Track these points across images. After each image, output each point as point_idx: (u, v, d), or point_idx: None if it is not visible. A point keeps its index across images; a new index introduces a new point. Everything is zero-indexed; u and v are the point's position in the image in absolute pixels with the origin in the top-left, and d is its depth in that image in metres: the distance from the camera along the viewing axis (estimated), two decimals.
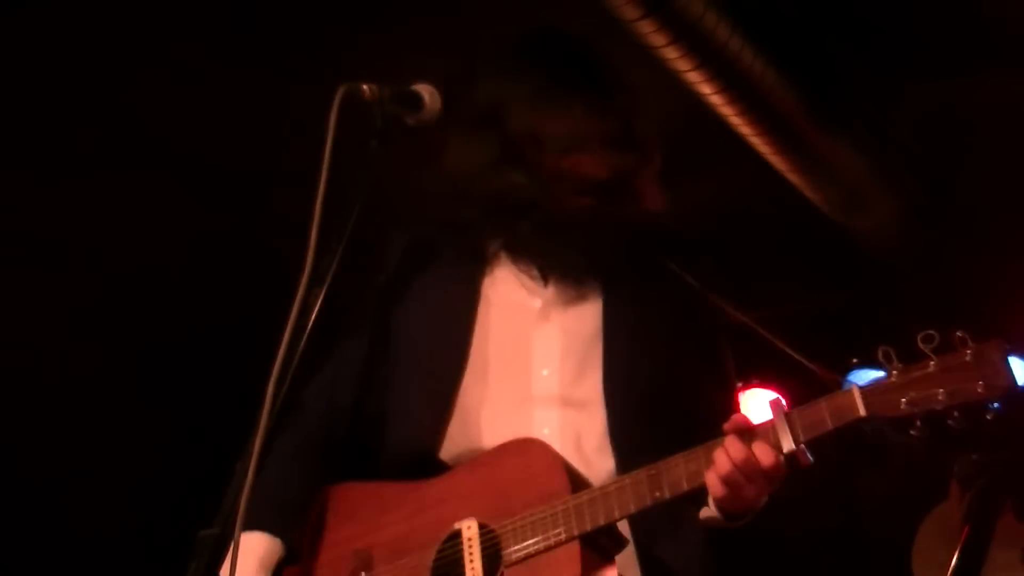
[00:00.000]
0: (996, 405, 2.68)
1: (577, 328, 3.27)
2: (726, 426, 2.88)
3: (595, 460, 3.14)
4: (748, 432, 2.86)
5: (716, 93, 5.06)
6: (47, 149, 5.38)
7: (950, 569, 4.59)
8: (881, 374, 2.78)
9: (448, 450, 3.21)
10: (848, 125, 5.75)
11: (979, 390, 2.69)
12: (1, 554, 6.12)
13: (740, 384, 6.91)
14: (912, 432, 2.78)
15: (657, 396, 3.19)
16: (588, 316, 3.29)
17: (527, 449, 3.06)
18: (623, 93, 3.30)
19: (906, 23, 5.34)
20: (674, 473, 2.89)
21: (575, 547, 2.90)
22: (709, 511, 3.05)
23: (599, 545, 2.95)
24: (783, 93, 5.27)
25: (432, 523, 3.06)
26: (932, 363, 2.73)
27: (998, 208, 6.32)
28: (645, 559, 3.09)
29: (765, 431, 2.85)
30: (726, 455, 2.83)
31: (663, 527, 3.09)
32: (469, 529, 3.00)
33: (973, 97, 5.75)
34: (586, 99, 3.24)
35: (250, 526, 2.99)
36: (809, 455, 2.84)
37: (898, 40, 5.44)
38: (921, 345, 2.73)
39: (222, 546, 2.53)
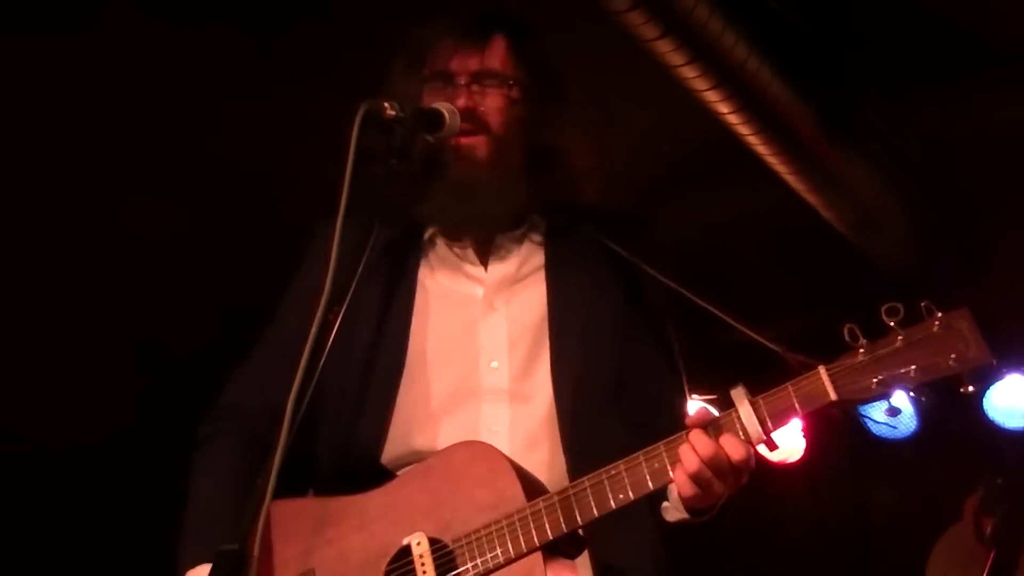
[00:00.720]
0: (971, 379, 2.59)
1: (523, 317, 3.15)
2: (689, 420, 2.75)
3: (545, 458, 3.01)
4: (713, 425, 2.73)
5: (733, 112, 5.07)
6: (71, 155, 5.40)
7: None
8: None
9: (390, 453, 3.07)
10: (862, 144, 5.75)
11: (951, 363, 2.58)
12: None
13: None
14: (884, 412, 2.72)
15: (607, 386, 3.07)
16: (533, 303, 3.16)
17: (474, 453, 2.90)
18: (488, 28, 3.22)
19: (920, 42, 5.34)
20: (636, 473, 2.75)
21: (538, 558, 2.78)
22: (673, 509, 2.93)
23: (562, 551, 2.83)
24: (798, 112, 5.27)
25: (378, 539, 2.90)
26: (899, 337, 2.62)
27: (1010, 225, 6.31)
28: (597, 556, 2.96)
29: (731, 422, 2.73)
30: (693, 452, 2.70)
31: (614, 521, 2.89)
32: (419, 545, 2.85)
33: (986, 115, 5.75)
34: (446, 37, 3.20)
35: (199, 560, 2.91)
36: (777, 441, 2.73)
37: (912, 59, 5.44)
38: (885, 318, 2.62)
39: (240, 562, 2.49)
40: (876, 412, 7.03)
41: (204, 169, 5.59)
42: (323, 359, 2.75)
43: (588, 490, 2.78)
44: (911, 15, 5.19)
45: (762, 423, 2.69)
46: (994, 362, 2.58)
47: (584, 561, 2.94)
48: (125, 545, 6.23)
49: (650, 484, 2.75)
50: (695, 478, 2.71)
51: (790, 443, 7.03)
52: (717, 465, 2.70)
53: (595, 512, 2.77)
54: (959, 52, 5.38)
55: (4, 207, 5.46)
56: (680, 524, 2.93)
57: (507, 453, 2.94)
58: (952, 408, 6.82)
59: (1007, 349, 6.66)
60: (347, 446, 3.13)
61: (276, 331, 3.23)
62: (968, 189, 6.32)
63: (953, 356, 2.57)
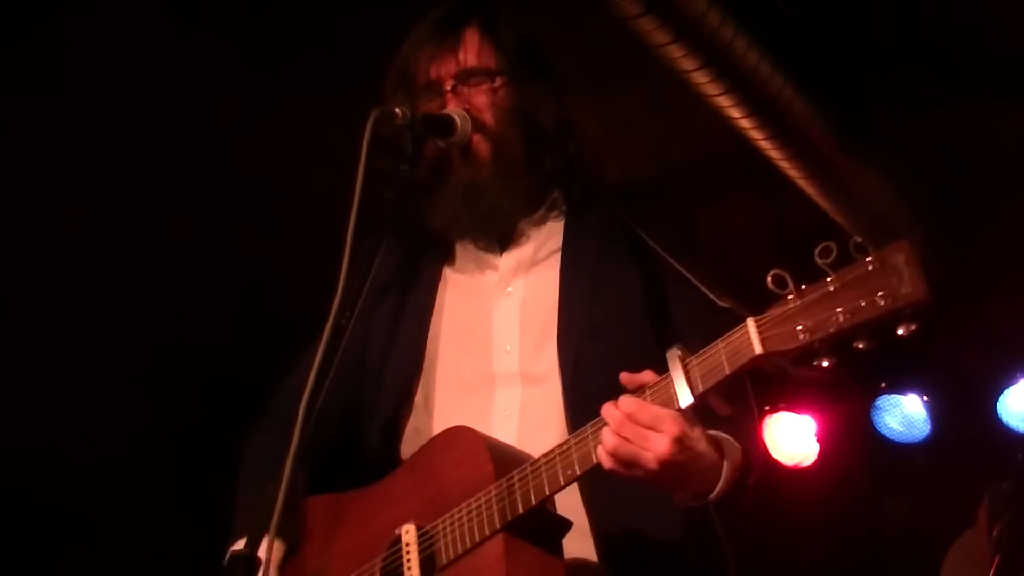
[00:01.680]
0: (909, 318, 2.29)
1: (535, 299, 3.15)
2: (621, 380, 2.63)
3: (554, 440, 2.88)
4: (640, 391, 2.61)
5: (745, 118, 5.07)
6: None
7: None
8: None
9: (411, 446, 3.11)
10: (875, 151, 5.75)
11: (880, 303, 2.28)
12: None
13: (767, 408, 6.94)
14: (819, 364, 2.39)
15: (616, 366, 2.89)
16: (546, 285, 3.15)
17: (456, 437, 2.89)
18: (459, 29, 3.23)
19: (933, 50, 5.34)
20: (583, 447, 2.65)
21: (499, 541, 2.71)
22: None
23: (532, 533, 2.74)
24: (811, 118, 5.27)
25: (378, 531, 2.92)
26: (830, 280, 2.35)
27: None
28: (600, 538, 2.91)
29: (664, 384, 2.58)
30: (609, 428, 2.58)
31: (619, 501, 2.86)
32: (407, 533, 2.85)
33: (1000, 123, 5.74)
34: (422, 48, 3.22)
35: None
36: (722, 402, 2.57)
37: (926, 66, 5.44)
38: (818, 260, 2.36)
39: (254, 565, 2.51)
40: (890, 417, 7.06)
41: (219, 174, 5.61)
42: (335, 364, 2.73)
43: (542, 467, 2.71)
44: (926, 22, 5.19)
45: (692, 385, 2.52)
46: (929, 299, 2.26)
47: (586, 541, 2.90)
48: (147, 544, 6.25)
49: (594, 457, 2.63)
50: (614, 453, 2.57)
51: (802, 448, 7.03)
52: (634, 434, 2.56)
53: (546, 490, 2.68)
54: (973, 60, 5.38)
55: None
56: (683, 505, 2.78)
57: (515, 435, 2.96)
58: (966, 413, 6.82)
59: (1022, 352, 6.67)
60: (370, 441, 3.18)
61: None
62: (982, 196, 6.31)
63: (881, 294, 2.29)
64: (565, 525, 2.80)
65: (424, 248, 3.30)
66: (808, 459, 7.04)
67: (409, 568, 2.81)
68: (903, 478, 7.19)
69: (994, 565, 4.79)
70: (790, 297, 2.42)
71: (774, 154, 5.41)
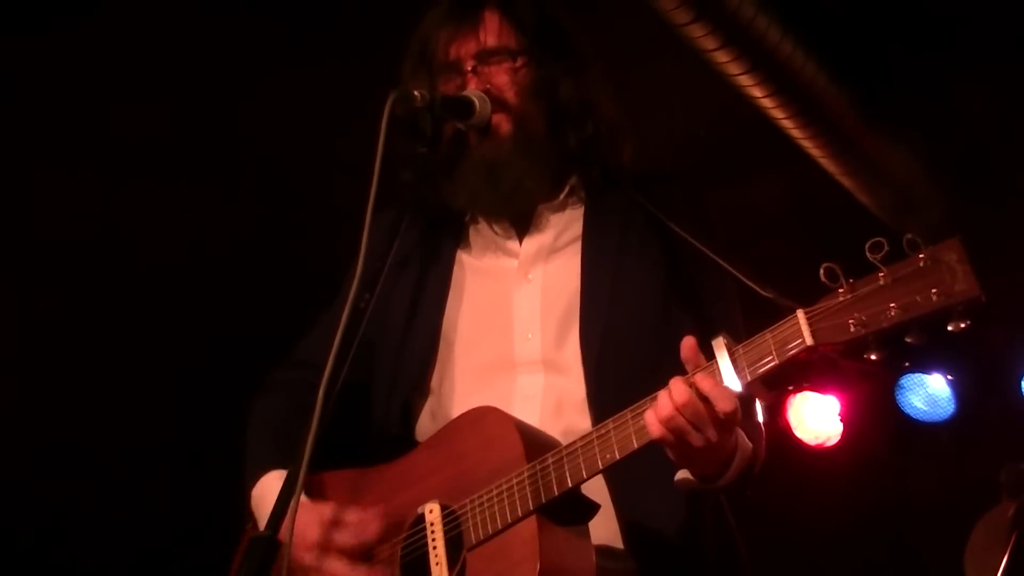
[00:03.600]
0: (961, 315, 2.37)
1: (556, 287, 3.15)
2: (683, 346, 2.64)
3: (575, 424, 2.96)
4: (696, 366, 2.63)
5: (768, 96, 5.05)
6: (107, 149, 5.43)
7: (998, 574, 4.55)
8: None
9: (426, 427, 3.12)
10: (898, 127, 5.72)
11: (933, 299, 2.36)
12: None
13: (790, 388, 6.93)
14: (869, 356, 2.47)
15: (638, 355, 3.02)
16: (568, 273, 3.15)
17: (482, 417, 2.89)
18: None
19: (956, 24, 5.30)
20: (623, 431, 2.68)
21: (532, 523, 2.72)
22: (682, 472, 2.82)
23: (562, 515, 2.76)
24: (834, 95, 5.25)
25: (399, 509, 2.92)
26: (882, 275, 2.42)
27: None
28: (627, 524, 2.93)
29: (710, 370, 2.61)
30: (668, 396, 2.59)
31: (644, 488, 2.90)
32: (431, 513, 2.86)
33: (1022, 99, 5.71)
34: (442, 28, 3.22)
35: (278, 465, 3.01)
36: (764, 392, 2.62)
37: (948, 41, 5.41)
38: (869, 255, 2.42)
39: (272, 548, 2.51)
40: (914, 396, 7.04)
41: (239, 160, 5.61)
42: (355, 344, 2.73)
43: (579, 450, 2.73)
44: None
45: (740, 372, 2.57)
46: (983, 296, 2.35)
47: (612, 529, 2.92)
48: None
49: (635, 442, 2.67)
50: (666, 423, 2.59)
51: (827, 426, 7.02)
52: (693, 411, 2.59)
53: (584, 473, 2.72)
54: (996, 32, 5.35)
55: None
56: (689, 488, 2.83)
57: (537, 420, 2.96)
58: (990, 391, 6.79)
59: None
60: (383, 420, 3.18)
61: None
62: (1007, 171, 6.28)
63: (935, 291, 2.37)
64: (594, 508, 2.82)
65: (440, 231, 3.29)
66: (832, 438, 7.03)
67: (435, 547, 2.82)
68: (927, 457, 7.17)
69: (1011, 543, 4.77)
70: (841, 290, 2.47)
71: (796, 133, 5.39)
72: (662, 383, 2.67)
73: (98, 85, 5.09)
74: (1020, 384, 6.63)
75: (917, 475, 7.32)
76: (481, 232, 3.28)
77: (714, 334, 2.68)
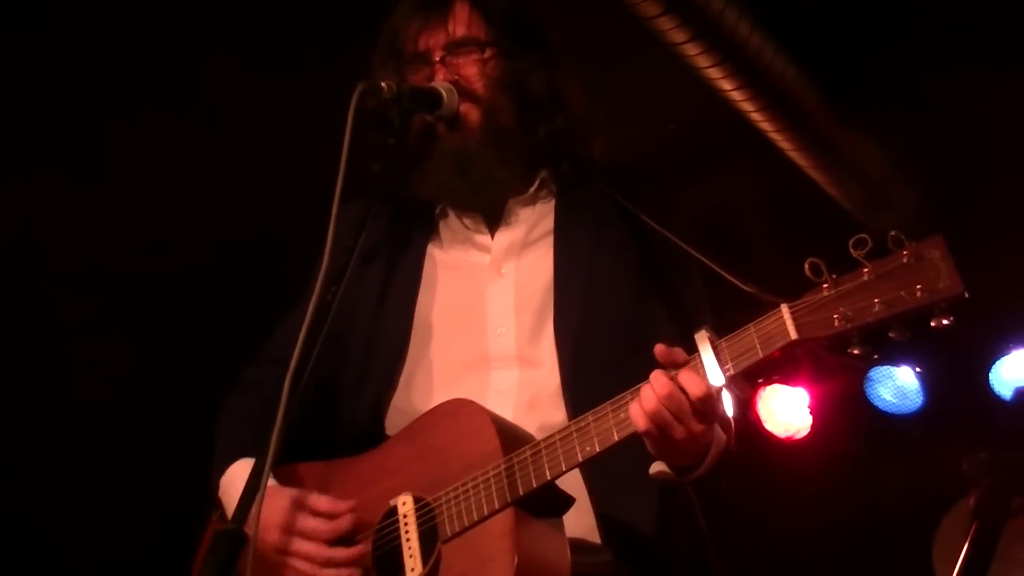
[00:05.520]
0: (944, 311, 2.42)
1: (529, 282, 3.16)
2: (656, 352, 2.66)
3: (550, 420, 2.98)
4: (674, 366, 2.65)
5: (737, 89, 5.06)
6: (78, 149, 5.40)
7: (958, 564, 4.57)
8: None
9: (395, 421, 3.09)
10: (869, 121, 5.74)
11: (917, 295, 2.40)
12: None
13: (760, 380, 6.95)
14: (851, 351, 2.50)
15: (613, 348, 3.04)
16: (540, 268, 3.17)
17: (457, 410, 2.90)
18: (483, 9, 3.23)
19: (926, 19, 5.32)
20: (603, 424, 2.70)
21: (509, 516, 2.74)
22: (658, 464, 2.81)
23: (538, 508, 2.78)
24: (804, 89, 5.26)
25: (372, 501, 2.91)
26: (866, 270, 2.47)
27: (1020, 201, 6.29)
28: (602, 518, 2.95)
29: (693, 364, 2.63)
30: (651, 389, 2.61)
31: (619, 481, 2.92)
32: (404, 505, 2.86)
33: (994, 93, 5.72)
34: (412, 19, 3.22)
35: (247, 455, 3.00)
36: (745, 386, 2.64)
37: (919, 36, 5.42)
38: (853, 251, 2.46)
39: (237, 542, 2.49)
40: (883, 388, 7.06)
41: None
42: (321, 337, 2.70)
43: (557, 443, 2.75)
44: None
45: (723, 364, 2.60)
46: (965, 293, 2.42)
47: (588, 523, 2.94)
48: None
49: (615, 435, 2.69)
50: (651, 416, 2.62)
51: (797, 419, 7.04)
52: (676, 404, 2.62)
53: (563, 466, 2.73)
54: (967, 28, 5.37)
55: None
56: (666, 481, 2.83)
57: (511, 414, 2.96)
58: (959, 384, 6.82)
59: (1014, 323, 6.67)
60: (353, 414, 3.16)
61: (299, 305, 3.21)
62: (978, 165, 6.30)
63: (919, 287, 2.41)
64: (569, 501, 2.83)
65: (409, 223, 3.29)
66: (802, 431, 7.05)
67: (408, 539, 2.82)
68: (897, 449, 7.20)
69: (971, 533, 4.80)
70: (825, 285, 2.51)
71: (767, 126, 5.41)
72: (637, 376, 2.70)
73: (66, 86, 5.08)
74: (988, 377, 6.66)
75: (886, 467, 7.34)
76: (451, 225, 3.27)
77: (688, 327, 2.71)
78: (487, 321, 3.14)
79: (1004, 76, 5.61)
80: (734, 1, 4.67)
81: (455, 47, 3.19)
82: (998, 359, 6.66)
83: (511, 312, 3.13)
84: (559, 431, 2.76)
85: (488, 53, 3.20)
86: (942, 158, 6.23)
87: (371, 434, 3.09)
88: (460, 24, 3.21)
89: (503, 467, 2.77)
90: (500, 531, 2.74)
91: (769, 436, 7.03)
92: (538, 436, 2.83)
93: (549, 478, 2.74)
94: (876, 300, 2.45)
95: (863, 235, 2.46)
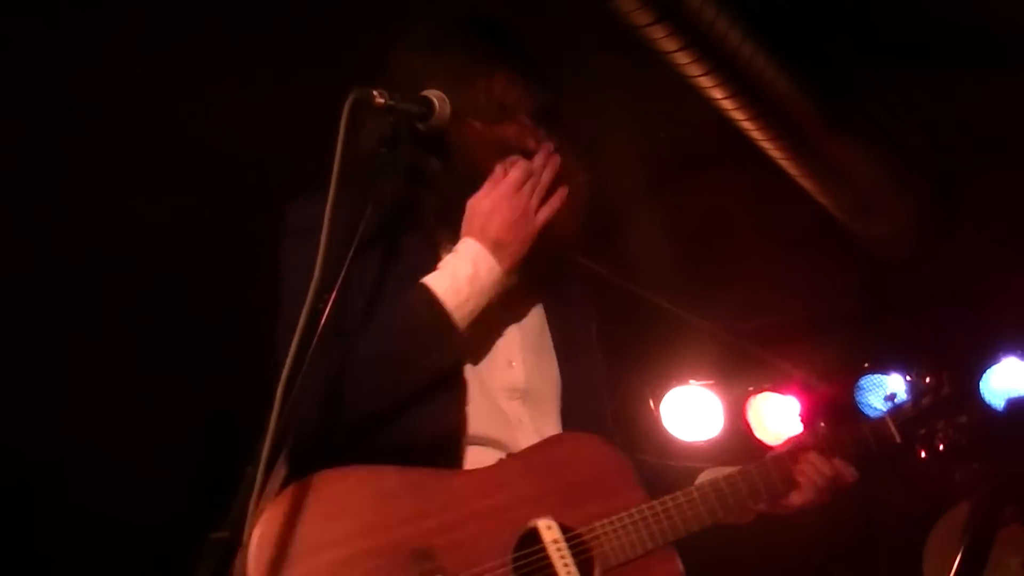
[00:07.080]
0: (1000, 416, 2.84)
1: (529, 321, 3.24)
2: (793, 444, 3.41)
3: None
4: (825, 450, 3.39)
5: (727, 98, 5.06)
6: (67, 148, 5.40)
7: (951, 574, 4.60)
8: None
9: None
10: (859, 130, 5.74)
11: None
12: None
13: (751, 388, 6.95)
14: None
15: (586, 395, 3.25)
16: (533, 309, 3.27)
17: (590, 446, 3.06)
18: (543, 71, 3.26)
19: (917, 28, 5.33)
20: (768, 478, 3.32)
21: (672, 551, 3.03)
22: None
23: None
24: (794, 98, 5.26)
25: (500, 522, 2.87)
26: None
27: (1010, 212, 6.31)
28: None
29: (841, 448, 3.48)
30: (815, 471, 3.36)
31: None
32: (550, 530, 2.89)
33: (985, 102, 5.74)
34: (509, 68, 3.20)
35: None
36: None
37: (909, 45, 5.43)
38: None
39: (231, 550, 2.47)
40: (873, 396, 7.06)
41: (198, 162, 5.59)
42: (312, 347, 2.66)
43: (727, 494, 3.19)
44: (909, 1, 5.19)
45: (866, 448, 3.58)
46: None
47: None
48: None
49: (780, 487, 3.35)
50: (819, 496, 3.41)
51: (787, 427, 7.05)
52: (834, 486, 3.45)
53: (706, 521, 3.12)
54: (957, 38, 5.38)
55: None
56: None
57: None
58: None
59: (1005, 333, 6.67)
60: (412, 425, 3.02)
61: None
62: (967, 175, 6.32)
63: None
64: None
65: (409, 233, 3.24)
66: None
67: (567, 567, 2.88)
68: (887, 457, 7.19)
69: (963, 542, 4.82)
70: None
71: (757, 135, 5.40)
72: (595, 423, 3.15)
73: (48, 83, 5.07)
74: (979, 385, 6.67)
75: (877, 475, 7.34)
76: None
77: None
78: (497, 352, 3.17)
79: (996, 86, 5.63)
80: (726, 10, 4.67)
81: (546, 121, 3.25)
82: (989, 367, 6.67)
83: (518, 345, 3.20)
84: (725, 479, 3.23)
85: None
86: (932, 168, 6.23)
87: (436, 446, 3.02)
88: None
89: (660, 509, 3.02)
90: (665, 563, 3.02)
91: (759, 444, 7.05)
92: None
93: (697, 529, 3.09)
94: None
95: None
